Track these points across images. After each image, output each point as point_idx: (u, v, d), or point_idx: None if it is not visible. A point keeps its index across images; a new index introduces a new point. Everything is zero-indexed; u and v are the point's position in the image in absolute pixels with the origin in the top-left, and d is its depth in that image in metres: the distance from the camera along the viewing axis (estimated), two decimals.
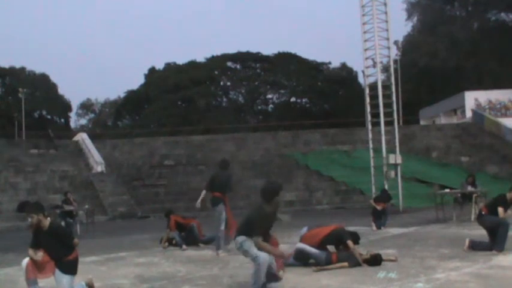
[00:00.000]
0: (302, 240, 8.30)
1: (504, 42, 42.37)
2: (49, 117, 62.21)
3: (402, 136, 24.66)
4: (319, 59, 59.63)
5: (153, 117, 55.81)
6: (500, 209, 8.75)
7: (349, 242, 8.02)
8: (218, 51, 61.33)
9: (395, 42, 45.88)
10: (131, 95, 60.18)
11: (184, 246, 10.86)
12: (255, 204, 6.66)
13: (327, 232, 8.22)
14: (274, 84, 58.32)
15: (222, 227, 9.88)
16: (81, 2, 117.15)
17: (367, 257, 7.86)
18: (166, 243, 11.25)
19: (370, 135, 20.90)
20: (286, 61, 57.07)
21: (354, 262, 7.75)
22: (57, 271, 6.03)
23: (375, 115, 20.66)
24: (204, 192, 10.30)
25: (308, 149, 30.54)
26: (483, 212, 9.11)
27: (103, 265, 9.20)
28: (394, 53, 35.23)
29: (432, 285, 6.46)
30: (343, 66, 60.30)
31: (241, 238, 6.09)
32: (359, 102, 39.61)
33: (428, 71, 44.48)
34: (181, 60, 73.94)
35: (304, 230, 8.70)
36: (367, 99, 21.32)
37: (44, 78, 60.99)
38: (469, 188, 14.82)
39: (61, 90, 62.83)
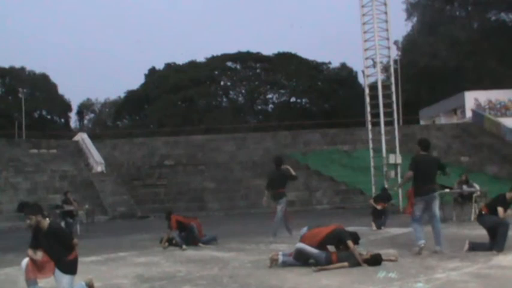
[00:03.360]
0: (302, 240, 8.29)
1: (504, 42, 42.33)
2: (49, 117, 62.13)
3: (402, 136, 24.63)
4: (319, 59, 59.51)
5: (153, 117, 55.75)
6: (500, 209, 8.74)
7: (349, 242, 8.01)
8: (218, 51, 61.26)
9: (395, 42, 45.65)
10: (131, 95, 60.12)
11: (184, 246, 10.85)
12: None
13: (327, 232, 8.21)
14: (274, 84, 58.26)
15: (276, 219, 11.75)
16: (81, 2, 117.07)
17: (367, 257, 7.85)
18: (166, 243, 11.25)
19: (370, 135, 20.92)
20: (286, 61, 57.00)
21: (354, 262, 7.74)
22: (57, 271, 6.02)
23: (375, 115, 20.67)
24: (266, 192, 12.40)
25: (308, 149, 30.52)
26: (483, 212, 9.11)
27: (103, 265, 9.20)
28: (394, 53, 35.12)
29: (432, 285, 6.45)
30: (343, 66, 60.18)
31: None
32: (359, 102, 39.52)
33: (428, 71, 44.40)
34: (181, 60, 73.88)
35: (304, 230, 8.70)
36: (367, 99, 21.32)
37: (44, 78, 60.86)
38: (464, 187, 14.84)
39: (61, 90, 62.62)
